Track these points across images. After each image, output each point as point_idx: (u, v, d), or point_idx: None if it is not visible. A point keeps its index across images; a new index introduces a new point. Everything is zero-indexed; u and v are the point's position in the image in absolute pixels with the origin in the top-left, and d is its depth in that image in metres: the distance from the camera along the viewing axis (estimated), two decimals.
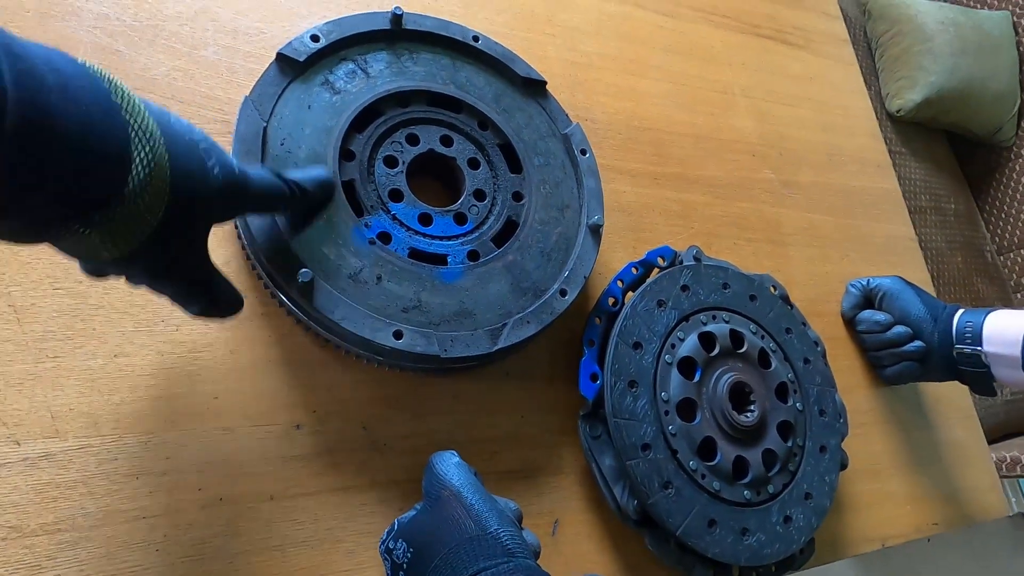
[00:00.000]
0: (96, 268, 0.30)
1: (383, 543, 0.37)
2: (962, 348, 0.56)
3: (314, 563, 0.37)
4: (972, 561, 1.74)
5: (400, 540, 0.36)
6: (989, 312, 0.56)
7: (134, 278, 0.30)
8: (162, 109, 0.28)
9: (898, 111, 1.43)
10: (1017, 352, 0.52)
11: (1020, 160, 1.54)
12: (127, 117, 0.25)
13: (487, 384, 0.46)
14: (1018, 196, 1.54)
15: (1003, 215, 1.56)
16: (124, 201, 0.25)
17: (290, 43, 0.43)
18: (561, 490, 0.46)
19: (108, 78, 0.25)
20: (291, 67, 0.43)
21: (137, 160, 0.25)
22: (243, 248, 0.41)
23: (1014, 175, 1.54)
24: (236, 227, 0.41)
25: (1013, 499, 1.83)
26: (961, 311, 0.58)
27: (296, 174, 0.36)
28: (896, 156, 1.42)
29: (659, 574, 0.46)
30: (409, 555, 0.35)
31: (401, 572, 0.35)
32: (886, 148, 0.82)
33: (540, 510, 0.45)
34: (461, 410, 0.45)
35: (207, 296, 0.33)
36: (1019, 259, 1.52)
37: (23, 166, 0.21)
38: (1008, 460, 1.13)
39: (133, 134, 0.25)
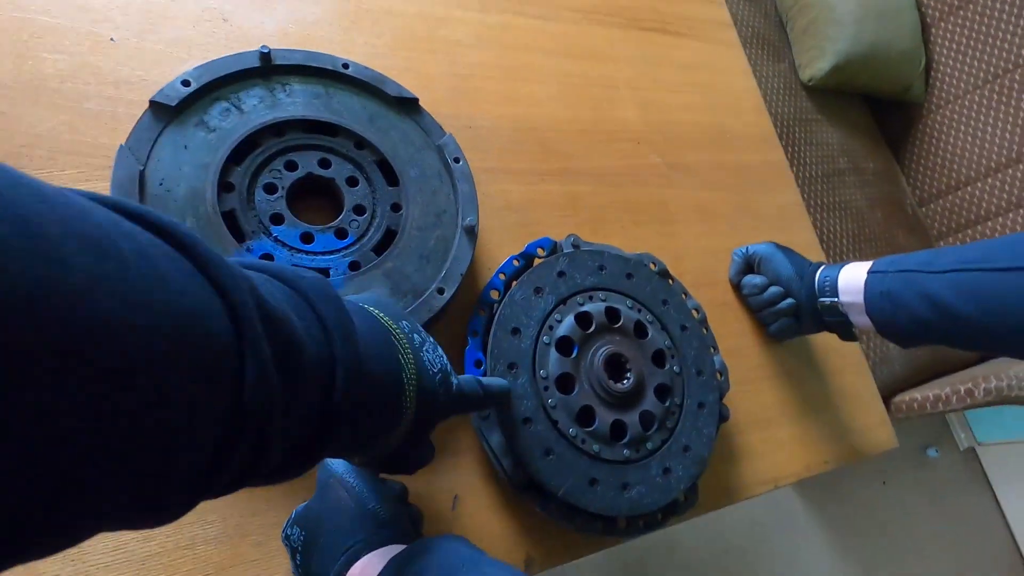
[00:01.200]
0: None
1: (283, 531, 0.41)
2: (823, 301, 0.62)
3: (224, 557, 0.42)
4: (925, 497, 1.84)
5: (295, 526, 0.40)
6: (843, 266, 0.62)
7: (373, 466, 0.38)
8: (419, 343, 0.35)
9: (810, 80, 1.50)
10: (862, 299, 0.59)
11: (932, 115, 1.63)
12: (406, 369, 0.32)
13: None
14: (934, 149, 1.62)
15: (922, 168, 1.64)
16: (396, 431, 0.33)
17: (162, 90, 0.47)
18: (459, 468, 0.51)
19: (400, 340, 0.33)
20: (165, 112, 0.47)
21: (406, 402, 0.32)
22: None
23: (927, 129, 1.63)
24: None
25: (963, 434, 1.93)
26: (822, 267, 0.63)
27: (487, 381, 0.42)
28: (813, 123, 1.50)
29: (553, 532, 0.51)
30: (302, 538, 0.40)
31: (298, 555, 0.40)
32: (770, 122, 0.88)
33: (440, 489, 0.49)
34: None
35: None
36: (940, 209, 1.61)
37: (352, 404, 0.27)
38: (932, 398, 1.21)
39: (406, 382, 0.32)
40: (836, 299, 0.60)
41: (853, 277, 0.59)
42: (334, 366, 0.26)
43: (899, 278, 0.55)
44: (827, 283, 0.61)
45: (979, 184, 1.54)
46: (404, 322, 0.35)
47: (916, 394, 1.25)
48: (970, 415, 1.90)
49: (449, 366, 0.38)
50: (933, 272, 0.52)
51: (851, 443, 0.71)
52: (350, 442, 0.31)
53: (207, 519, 0.42)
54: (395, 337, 0.33)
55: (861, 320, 0.59)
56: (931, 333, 0.54)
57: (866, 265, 0.59)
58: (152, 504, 0.19)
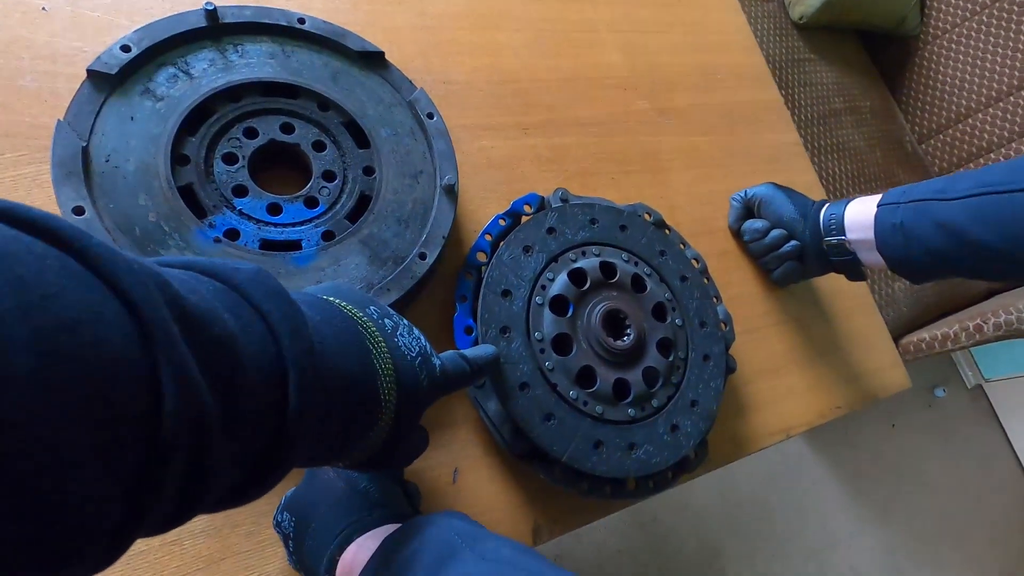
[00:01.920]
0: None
1: (274, 518, 0.39)
2: (829, 240, 0.59)
3: (214, 549, 0.39)
4: (935, 436, 1.84)
5: (285, 512, 0.38)
6: (849, 201, 0.59)
7: (359, 468, 0.34)
8: (391, 328, 0.32)
9: (800, 18, 1.44)
10: (872, 235, 0.55)
11: (928, 47, 1.57)
12: (378, 358, 0.29)
13: None
14: (932, 83, 1.57)
15: (920, 104, 1.59)
16: (378, 424, 0.29)
17: (99, 57, 0.43)
18: (457, 441, 0.48)
19: (368, 328, 0.30)
20: (105, 81, 0.43)
21: (383, 396, 0.29)
22: None
23: (924, 62, 1.57)
24: None
25: (970, 372, 1.92)
26: (826, 205, 0.60)
27: (471, 353, 0.39)
28: (806, 63, 1.44)
29: (560, 498, 0.49)
30: (293, 524, 0.37)
31: (290, 542, 0.38)
32: (763, 59, 0.83)
33: (439, 462, 0.47)
34: None
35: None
36: (940, 144, 1.56)
37: (312, 412, 0.24)
38: (940, 337, 1.18)
39: (381, 373, 0.29)
40: (843, 237, 0.57)
41: (861, 212, 0.56)
42: (284, 367, 0.22)
43: (912, 208, 0.51)
44: (833, 221, 0.58)
45: (980, 115, 1.49)
46: (371, 307, 0.32)
47: (924, 334, 1.23)
48: (977, 352, 1.89)
49: (429, 347, 0.34)
50: (949, 199, 0.49)
51: (863, 386, 0.69)
52: (321, 451, 0.28)
53: None
54: (361, 325, 0.30)
55: (871, 257, 0.56)
56: (947, 265, 0.51)
57: (874, 199, 0.56)
58: (65, 556, 0.15)
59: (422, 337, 0.34)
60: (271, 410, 0.22)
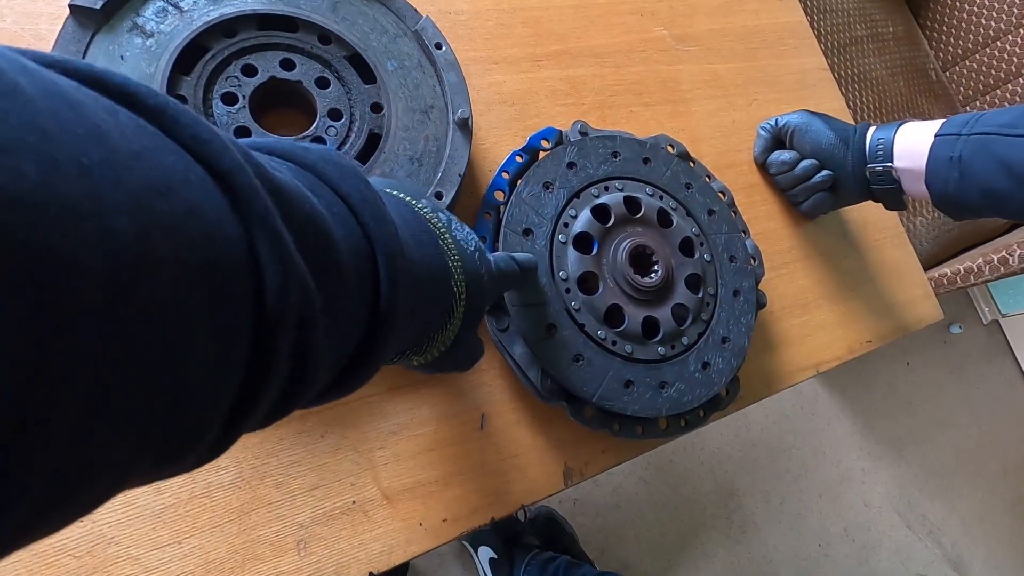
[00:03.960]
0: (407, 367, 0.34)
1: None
2: (874, 167, 0.55)
3: (244, 500, 0.39)
4: (950, 373, 1.84)
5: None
6: (900, 126, 0.55)
7: (426, 368, 0.33)
8: (447, 222, 0.31)
9: None
10: (923, 165, 0.52)
11: None
12: (448, 253, 0.29)
13: None
14: (957, 5, 1.48)
15: (944, 28, 1.51)
16: (451, 322, 0.29)
17: None
18: (483, 386, 0.47)
19: (432, 221, 0.29)
20: (90, 18, 0.40)
21: (456, 290, 0.29)
22: None
23: None
24: None
25: (987, 308, 1.90)
26: (873, 128, 0.56)
27: (517, 256, 0.38)
28: None
29: (590, 440, 0.48)
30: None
31: None
32: None
33: (465, 408, 0.46)
34: None
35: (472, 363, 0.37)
36: (965, 71, 1.49)
37: (403, 305, 0.23)
38: (962, 271, 1.16)
39: (452, 268, 0.29)
40: (890, 164, 0.54)
41: (915, 140, 0.52)
42: (373, 252, 0.21)
43: (974, 142, 0.47)
44: (880, 146, 0.54)
45: (1009, 38, 1.41)
46: (425, 201, 0.31)
47: (946, 269, 1.20)
48: (994, 287, 1.86)
49: (480, 242, 0.33)
50: (1016, 135, 0.45)
51: (894, 319, 0.67)
52: (409, 341, 0.28)
53: (220, 464, 0.39)
54: (428, 221, 0.29)
55: (915, 188, 0.53)
56: (1002, 207, 0.48)
57: (930, 126, 0.52)
58: (178, 448, 0.14)
59: (473, 232, 0.33)
60: (364, 295, 0.21)
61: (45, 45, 0.42)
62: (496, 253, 0.36)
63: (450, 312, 0.29)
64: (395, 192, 0.30)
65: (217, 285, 0.14)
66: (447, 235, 0.29)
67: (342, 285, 0.19)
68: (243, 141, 0.21)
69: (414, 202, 0.30)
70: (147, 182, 0.12)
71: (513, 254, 0.37)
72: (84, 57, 0.39)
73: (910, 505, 1.63)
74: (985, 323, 1.93)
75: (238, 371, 0.15)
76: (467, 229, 0.32)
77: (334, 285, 0.19)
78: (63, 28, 0.39)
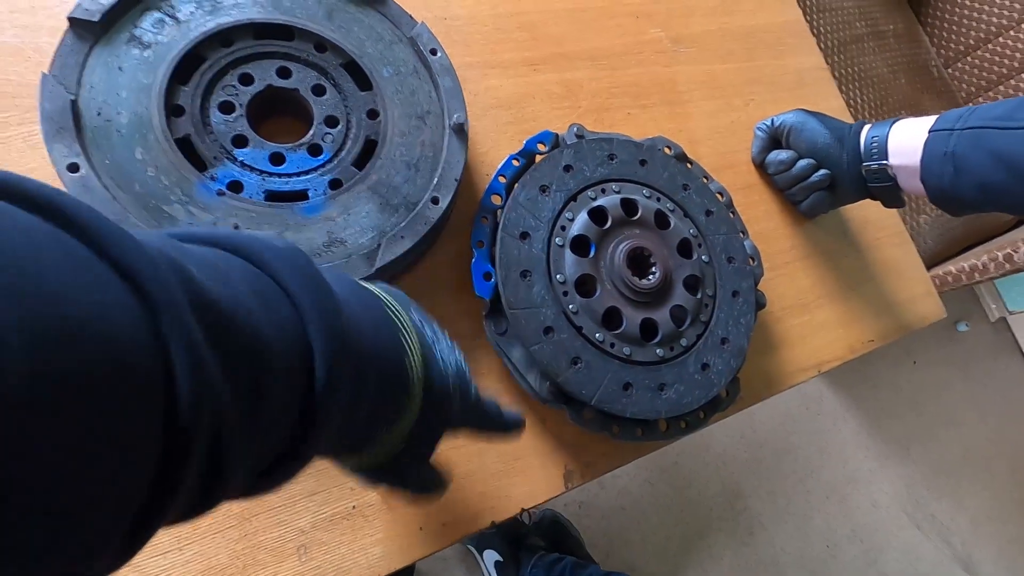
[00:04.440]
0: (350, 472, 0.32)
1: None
2: (869, 164, 0.55)
3: (244, 506, 0.39)
4: (957, 371, 1.82)
5: None
6: (894, 123, 0.55)
7: (371, 476, 0.31)
8: (431, 338, 0.30)
9: None
10: (917, 161, 0.52)
11: None
12: (408, 347, 0.27)
13: None
14: (958, 1, 1.47)
15: (946, 25, 1.50)
16: (402, 418, 0.27)
17: (79, 3, 0.40)
18: (482, 391, 0.47)
19: (395, 311, 0.28)
20: (88, 30, 0.40)
21: (412, 386, 0.27)
22: None
23: None
24: None
25: (994, 305, 1.88)
26: (867, 127, 0.56)
27: (507, 412, 0.36)
28: None
29: (590, 442, 0.48)
30: None
31: None
32: None
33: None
34: None
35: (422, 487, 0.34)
36: (967, 67, 1.48)
37: (344, 389, 0.22)
38: (967, 269, 1.15)
39: (410, 364, 0.27)
40: (885, 162, 0.54)
41: (908, 136, 0.52)
42: (310, 346, 0.21)
43: (968, 136, 0.47)
44: (875, 144, 0.54)
45: (1011, 33, 1.40)
46: (415, 314, 0.30)
47: (951, 267, 1.19)
48: (1001, 285, 1.85)
49: (469, 373, 0.32)
50: (1011, 127, 0.45)
51: (896, 318, 0.66)
52: (348, 437, 0.26)
53: None
54: (394, 314, 0.28)
55: (911, 184, 0.53)
56: (998, 200, 0.47)
57: (923, 122, 0.51)
58: (76, 566, 0.14)
59: (463, 360, 0.32)
60: (297, 392, 0.20)
61: (46, 59, 0.43)
62: (487, 396, 0.35)
63: (401, 404, 0.27)
64: (375, 289, 0.29)
65: (121, 395, 0.13)
66: (414, 335, 0.28)
67: (271, 381, 0.19)
68: (174, 232, 0.21)
69: (392, 303, 0.28)
70: (55, 313, 0.12)
71: (505, 410, 0.36)
72: (83, 68, 0.40)
73: (918, 505, 1.61)
74: (992, 320, 1.92)
75: (143, 483, 0.15)
76: (458, 356, 0.31)
77: (260, 383, 0.18)
78: (62, 41, 0.40)
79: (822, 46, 1.31)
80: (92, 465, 0.13)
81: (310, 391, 0.21)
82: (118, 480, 0.14)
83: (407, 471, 0.31)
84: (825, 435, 1.59)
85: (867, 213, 0.70)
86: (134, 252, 0.15)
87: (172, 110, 0.41)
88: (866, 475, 1.59)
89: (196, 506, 0.18)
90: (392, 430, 0.28)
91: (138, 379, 0.14)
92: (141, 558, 0.36)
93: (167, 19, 0.43)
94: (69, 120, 0.38)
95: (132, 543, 0.16)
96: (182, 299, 0.15)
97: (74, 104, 0.38)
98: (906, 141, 0.53)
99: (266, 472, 0.21)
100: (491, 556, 1.04)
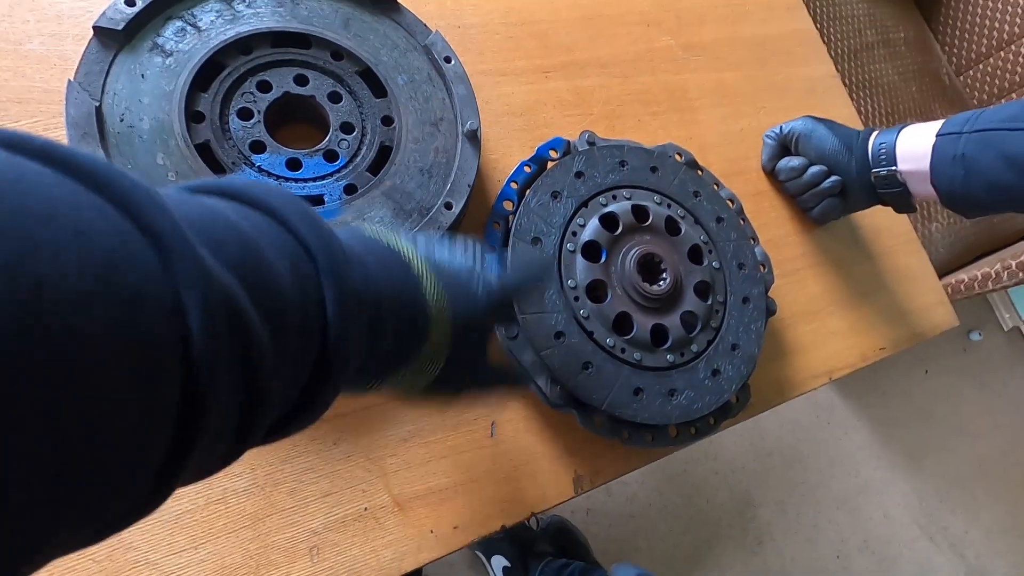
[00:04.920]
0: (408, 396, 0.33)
1: None
2: (878, 171, 0.55)
3: (258, 507, 0.40)
4: (970, 381, 1.80)
5: None
6: (901, 129, 0.55)
7: (440, 389, 0.33)
8: (434, 246, 0.31)
9: None
10: (927, 166, 0.52)
11: None
12: (422, 281, 0.28)
13: None
14: (970, 8, 1.47)
15: (957, 33, 1.49)
16: (428, 342, 0.29)
17: (104, 13, 0.41)
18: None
19: (403, 251, 0.29)
20: (112, 39, 0.41)
21: (432, 312, 0.28)
22: None
23: None
24: None
25: (1007, 314, 1.86)
26: (875, 134, 0.57)
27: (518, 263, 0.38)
28: None
29: (600, 448, 0.48)
30: None
31: None
32: None
33: (475, 416, 0.47)
34: None
35: (495, 388, 0.36)
36: (979, 74, 1.48)
37: (370, 333, 0.24)
38: (980, 277, 1.14)
39: (426, 294, 0.28)
40: (894, 168, 0.54)
41: (916, 142, 0.52)
42: (320, 283, 0.21)
43: (976, 139, 0.47)
44: (883, 151, 0.54)
45: (1023, 41, 1.39)
46: (420, 239, 0.31)
47: (963, 275, 1.19)
48: (1014, 293, 1.83)
49: (480, 262, 0.32)
50: (1019, 129, 0.45)
51: (908, 326, 0.66)
52: (374, 368, 0.27)
53: (235, 471, 0.40)
54: (397, 248, 0.29)
55: (922, 189, 0.53)
56: (1010, 201, 0.48)
57: (930, 127, 0.52)
58: (104, 512, 0.14)
59: (475, 247, 0.33)
60: (314, 335, 0.21)
61: (71, 66, 0.44)
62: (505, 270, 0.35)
63: (422, 329, 0.28)
64: (366, 228, 0.30)
65: (141, 342, 0.13)
66: (418, 257, 0.29)
67: (289, 320, 0.19)
68: (189, 184, 0.22)
69: (386, 233, 0.29)
70: (21, 209, 0.12)
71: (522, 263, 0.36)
72: (107, 76, 0.41)
73: (931, 517, 1.59)
74: (1006, 330, 1.90)
75: (166, 427, 0.15)
76: (469, 243, 0.32)
77: (280, 323, 0.18)
78: (87, 48, 0.41)
79: (833, 54, 1.31)
80: (111, 406, 0.13)
81: (324, 335, 0.21)
82: (140, 422, 0.14)
83: (461, 374, 0.32)
84: (836, 444, 1.58)
85: (878, 220, 0.69)
86: (142, 196, 0.15)
87: (192, 116, 0.42)
88: (877, 485, 1.57)
89: (229, 448, 0.18)
90: (422, 350, 0.29)
91: (146, 311, 0.14)
92: (157, 556, 0.37)
93: (188, 28, 0.44)
94: (93, 126, 0.39)
95: (161, 488, 0.16)
96: (191, 239, 0.16)
97: (98, 110, 0.39)
98: (914, 146, 0.53)
99: (291, 413, 0.21)
100: (499, 562, 1.04)
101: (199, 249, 0.16)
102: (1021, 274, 1.10)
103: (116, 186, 0.15)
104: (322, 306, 0.21)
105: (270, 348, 0.18)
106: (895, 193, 0.55)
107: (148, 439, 0.14)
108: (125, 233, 0.14)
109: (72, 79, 0.39)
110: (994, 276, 1.17)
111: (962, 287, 1.19)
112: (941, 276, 1.24)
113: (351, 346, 0.22)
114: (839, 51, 1.32)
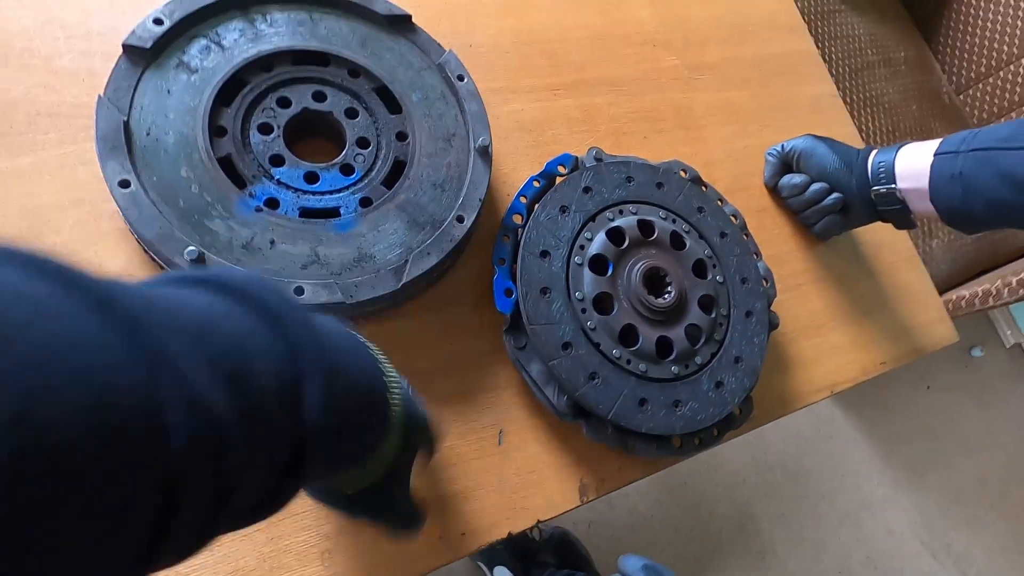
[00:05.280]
0: (333, 503, 0.34)
1: None
2: (878, 189, 0.57)
3: None
4: (972, 398, 1.80)
5: None
6: (899, 148, 0.56)
7: (355, 510, 0.34)
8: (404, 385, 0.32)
9: None
10: (925, 184, 0.53)
11: None
12: (389, 384, 0.29)
13: (413, 321, 0.48)
14: (971, 28, 1.49)
15: (957, 52, 1.52)
16: (386, 441, 0.29)
17: (133, 31, 0.43)
18: (501, 404, 0.48)
19: (372, 348, 0.30)
20: (140, 56, 0.43)
21: (393, 413, 0.29)
22: (137, 241, 0.42)
23: (963, 7, 1.49)
24: (130, 228, 0.42)
25: (1009, 331, 1.87)
26: (874, 152, 0.58)
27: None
28: (836, 15, 1.38)
29: (605, 457, 0.49)
30: None
31: None
32: (796, 8, 0.80)
33: (483, 424, 0.48)
34: (391, 349, 0.47)
35: (405, 521, 0.36)
36: (979, 93, 1.49)
37: (341, 432, 0.24)
38: (980, 294, 1.15)
39: (389, 384, 0.29)
40: (893, 186, 0.55)
41: (914, 160, 0.54)
42: (300, 372, 0.21)
43: (974, 158, 0.49)
44: (882, 169, 0.56)
45: (1022, 61, 1.42)
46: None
47: (964, 291, 1.19)
48: (1016, 310, 1.83)
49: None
50: (1016, 148, 0.47)
51: (909, 342, 0.67)
52: (335, 461, 0.27)
53: None
54: (372, 350, 0.30)
55: (922, 206, 0.54)
56: (1008, 217, 0.49)
57: (928, 146, 0.53)
58: None
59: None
60: (289, 433, 0.21)
61: (99, 81, 0.45)
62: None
63: (382, 427, 0.28)
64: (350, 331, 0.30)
65: (114, 436, 0.14)
66: (387, 363, 0.30)
67: (265, 411, 0.19)
68: (175, 275, 0.22)
69: (365, 340, 0.30)
70: (26, 353, 0.12)
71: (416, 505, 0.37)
72: (135, 91, 0.42)
73: (933, 533, 1.59)
74: (1008, 346, 1.90)
75: (143, 530, 0.15)
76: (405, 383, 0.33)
77: (255, 413, 0.18)
78: (116, 65, 0.42)
79: (834, 73, 1.33)
80: (90, 504, 0.13)
81: (299, 414, 0.21)
82: (117, 518, 0.14)
83: (391, 500, 0.33)
84: (838, 459, 1.58)
85: (880, 237, 0.71)
86: (121, 295, 0.15)
87: (215, 131, 0.44)
88: (880, 501, 1.57)
89: (196, 540, 0.18)
90: (374, 457, 0.29)
91: (131, 433, 0.14)
92: None
93: (213, 46, 0.45)
94: (121, 139, 0.40)
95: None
96: (167, 333, 0.16)
97: (126, 124, 0.41)
98: (913, 165, 0.54)
99: (258, 503, 0.21)
100: (502, 572, 1.04)
101: (189, 374, 0.16)
102: (1022, 291, 1.11)
103: (120, 308, 0.15)
104: (300, 410, 0.21)
105: (245, 461, 0.18)
106: (895, 210, 0.57)
107: (127, 538, 0.15)
108: (120, 366, 0.14)
109: (102, 95, 0.41)
110: (995, 293, 1.18)
111: (963, 303, 1.20)
112: (942, 292, 1.25)
113: (325, 450, 0.23)
114: (840, 70, 1.34)
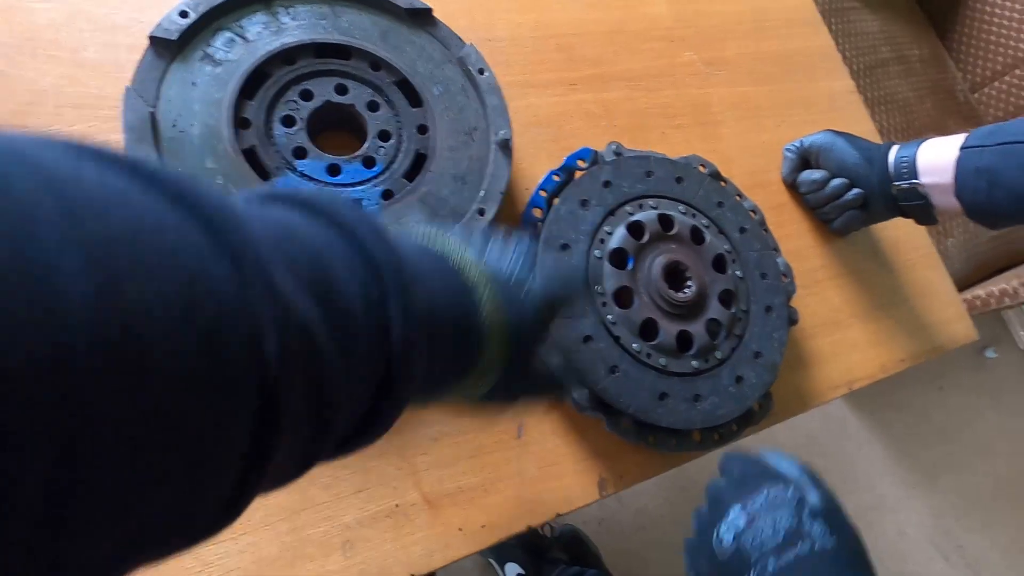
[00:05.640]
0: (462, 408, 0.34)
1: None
2: (899, 184, 0.56)
3: (293, 501, 0.41)
4: (986, 398, 1.78)
5: None
6: (921, 143, 0.56)
7: (495, 398, 0.33)
8: (487, 248, 0.31)
9: None
10: (950, 179, 0.53)
11: None
12: (478, 293, 0.28)
13: None
14: (986, 26, 1.48)
15: (972, 51, 1.50)
16: (483, 355, 0.28)
17: (159, 24, 0.43)
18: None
19: (456, 256, 0.28)
20: (166, 48, 0.43)
21: (488, 326, 0.28)
22: None
23: (977, 4, 1.48)
24: None
25: (1022, 332, 1.85)
26: (896, 147, 0.58)
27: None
28: (850, 12, 1.37)
29: (625, 452, 0.49)
30: None
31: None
32: (814, 3, 0.79)
33: (504, 418, 0.48)
34: None
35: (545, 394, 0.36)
36: (994, 91, 1.48)
37: (429, 351, 0.23)
38: (996, 293, 1.14)
39: (482, 307, 0.28)
40: (916, 181, 0.55)
41: (938, 155, 0.53)
42: (388, 312, 0.21)
43: (1000, 152, 0.49)
44: (904, 164, 0.55)
45: None
46: (472, 248, 0.30)
47: (980, 291, 1.18)
48: None
49: (530, 268, 0.32)
50: None
51: (927, 339, 0.67)
52: (433, 381, 0.27)
53: None
54: (444, 249, 0.29)
55: (945, 201, 0.54)
56: None
57: (951, 140, 0.53)
58: (184, 523, 0.14)
59: (524, 249, 0.32)
60: (380, 349, 0.21)
61: (125, 74, 0.46)
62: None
63: (475, 358, 0.28)
64: (438, 237, 0.29)
65: (216, 363, 0.13)
66: (483, 284, 0.28)
67: (355, 331, 0.18)
68: (261, 191, 0.22)
69: (452, 244, 0.29)
70: (111, 233, 0.12)
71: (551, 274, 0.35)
72: (161, 83, 0.42)
73: (947, 536, 1.57)
74: (1021, 347, 1.88)
75: (242, 447, 0.14)
76: (510, 253, 0.31)
77: (344, 318, 0.18)
78: (143, 57, 0.43)
79: (848, 70, 1.32)
80: (188, 436, 0.13)
81: (389, 355, 0.21)
82: (216, 448, 0.14)
83: (522, 388, 0.33)
84: (850, 460, 1.57)
85: (898, 233, 0.70)
86: (209, 197, 0.14)
87: (239, 123, 0.44)
88: (892, 503, 1.56)
89: (300, 462, 0.18)
90: (477, 371, 0.28)
91: (224, 332, 0.13)
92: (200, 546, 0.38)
93: (237, 39, 0.46)
94: (148, 130, 0.40)
95: (239, 499, 0.16)
96: (256, 240, 0.15)
97: (153, 116, 0.41)
98: (936, 160, 0.54)
99: (352, 435, 0.21)
100: (513, 569, 1.04)
101: (277, 275, 0.15)
102: None
103: (201, 204, 0.14)
104: (387, 326, 0.21)
105: (341, 371, 0.18)
106: (917, 206, 0.56)
107: (225, 458, 0.14)
108: (207, 258, 0.14)
109: (129, 86, 0.41)
110: (1011, 292, 1.17)
111: (978, 303, 1.19)
112: (958, 291, 1.24)
113: (415, 366, 0.22)
114: (854, 67, 1.33)
